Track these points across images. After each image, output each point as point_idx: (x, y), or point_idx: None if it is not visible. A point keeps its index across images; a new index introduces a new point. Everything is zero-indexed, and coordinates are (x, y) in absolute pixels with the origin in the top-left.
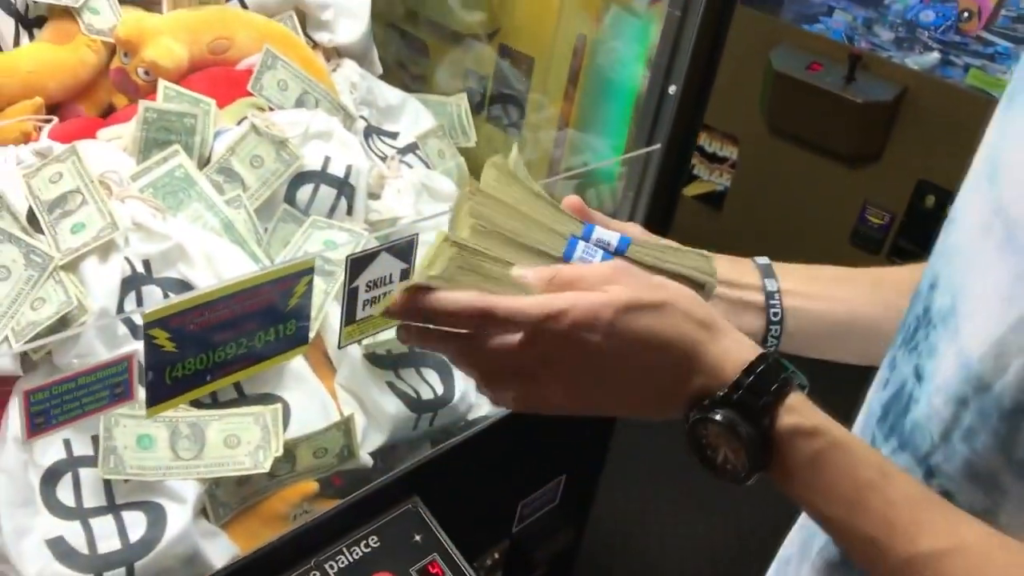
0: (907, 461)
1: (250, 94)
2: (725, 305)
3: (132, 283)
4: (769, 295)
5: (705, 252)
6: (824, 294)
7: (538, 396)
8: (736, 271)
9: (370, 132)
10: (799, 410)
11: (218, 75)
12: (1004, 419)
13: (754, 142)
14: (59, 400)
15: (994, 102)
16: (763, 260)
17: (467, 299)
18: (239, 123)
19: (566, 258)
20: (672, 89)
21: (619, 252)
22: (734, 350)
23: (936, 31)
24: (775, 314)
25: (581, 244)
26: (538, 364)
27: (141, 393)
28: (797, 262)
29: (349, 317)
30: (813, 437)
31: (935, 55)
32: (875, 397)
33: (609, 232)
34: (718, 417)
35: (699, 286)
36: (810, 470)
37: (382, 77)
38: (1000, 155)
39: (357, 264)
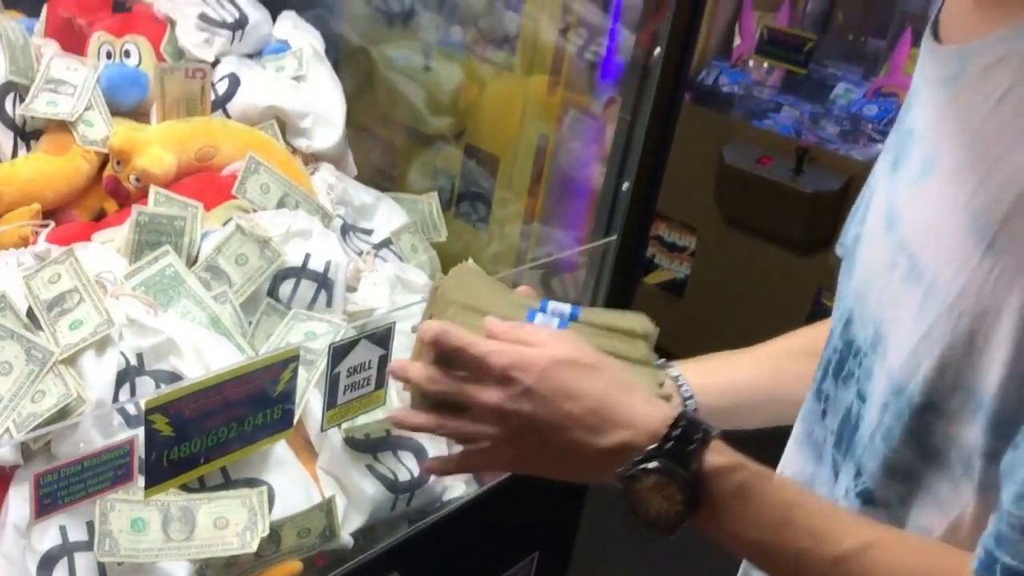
0: (851, 467)
1: (235, 197)
2: None
3: (126, 375)
4: (675, 378)
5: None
6: (720, 370)
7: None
8: None
9: (347, 229)
10: (721, 451)
11: (205, 180)
12: (915, 415)
13: (711, 232)
14: (66, 482)
15: None
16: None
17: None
18: (225, 224)
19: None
20: (625, 185)
21: (573, 317)
22: (659, 411)
23: (879, 124)
24: (686, 390)
25: (539, 315)
26: (487, 417)
27: (138, 479)
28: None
29: (331, 401)
30: (737, 470)
31: (879, 146)
32: (815, 428)
33: (561, 304)
34: (654, 465)
35: (643, 336)
36: (739, 501)
37: (357, 178)
38: (896, 206)
39: (339, 352)
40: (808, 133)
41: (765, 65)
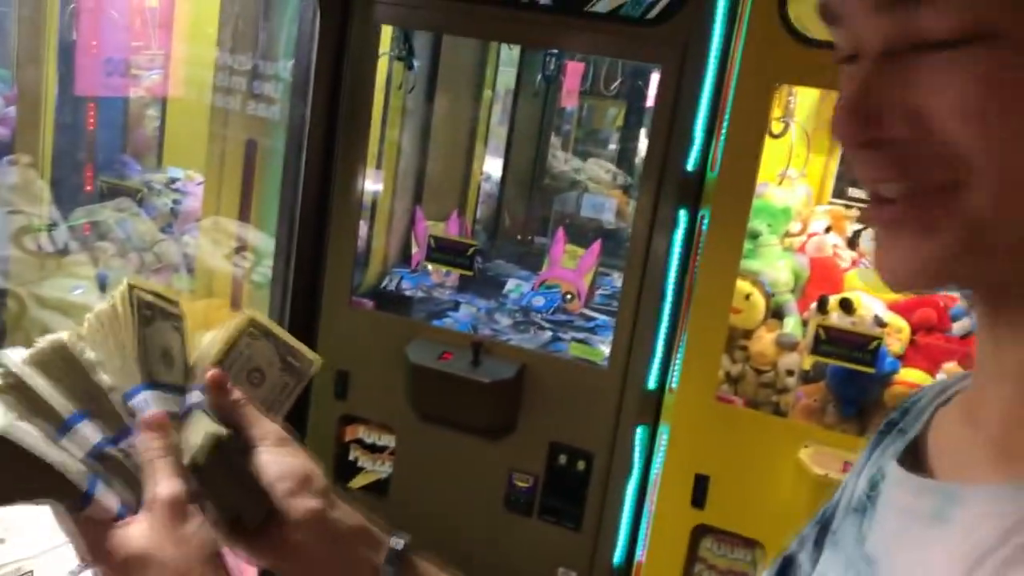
0: None
1: None
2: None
3: None
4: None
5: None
6: None
7: None
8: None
9: None
10: None
11: None
12: None
13: (408, 429)
14: None
15: (594, 369)
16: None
17: None
18: None
19: (126, 398)
20: None
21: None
22: None
23: (547, 313)
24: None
25: (146, 394)
26: None
27: None
28: (461, 532)
29: None
30: None
31: (548, 334)
32: None
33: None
34: None
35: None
36: None
37: None
38: None
39: None
40: (484, 327)
41: (444, 269)
